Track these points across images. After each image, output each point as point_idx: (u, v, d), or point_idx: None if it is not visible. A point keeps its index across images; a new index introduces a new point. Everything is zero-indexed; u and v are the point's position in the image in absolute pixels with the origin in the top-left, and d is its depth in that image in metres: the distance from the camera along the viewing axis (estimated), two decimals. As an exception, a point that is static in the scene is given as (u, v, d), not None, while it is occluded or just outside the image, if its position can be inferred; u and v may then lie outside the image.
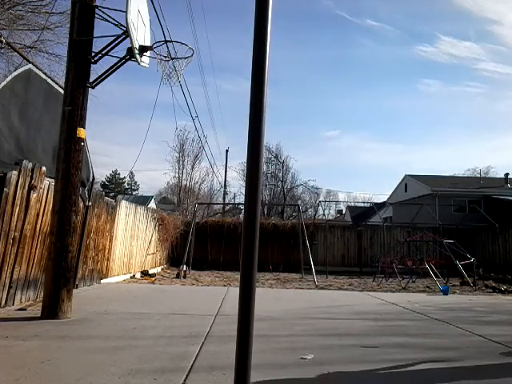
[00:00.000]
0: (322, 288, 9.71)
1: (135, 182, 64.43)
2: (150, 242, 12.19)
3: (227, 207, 30.13)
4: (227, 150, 29.29)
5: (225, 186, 28.81)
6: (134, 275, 10.56)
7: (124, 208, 9.69)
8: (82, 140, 4.97)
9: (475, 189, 24.52)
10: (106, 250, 8.63)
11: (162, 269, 13.69)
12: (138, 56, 5.16)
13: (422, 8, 67.32)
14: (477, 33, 71.26)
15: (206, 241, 16.42)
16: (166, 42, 5.90)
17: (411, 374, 3.00)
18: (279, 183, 37.79)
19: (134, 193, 60.44)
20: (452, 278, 11.84)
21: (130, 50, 5.10)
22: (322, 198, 40.12)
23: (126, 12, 4.80)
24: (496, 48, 70.42)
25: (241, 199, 33.16)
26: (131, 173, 55.74)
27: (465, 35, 72.17)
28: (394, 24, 70.62)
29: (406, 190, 28.01)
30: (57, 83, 6.72)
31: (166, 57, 5.80)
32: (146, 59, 5.51)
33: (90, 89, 5.16)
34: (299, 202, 36.68)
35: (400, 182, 29.71)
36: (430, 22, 69.21)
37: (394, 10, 67.95)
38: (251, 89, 1.56)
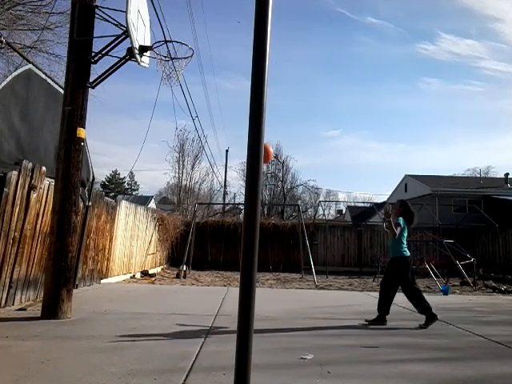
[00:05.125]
0: (322, 288, 9.71)
1: (135, 182, 64.38)
2: (150, 242, 12.19)
3: (227, 207, 30.12)
4: (227, 150, 29.26)
5: (225, 185, 28.82)
6: (134, 275, 10.56)
7: (124, 208, 9.69)
8: (82, 140, 4.97)
9: (475, 189, 24.52)
10: (106, 250, 8.63)
11: (162, 269, 13.69)
12: (137, 56, 5.16)
13: (422, 5, 67.42)
14: (478, 30, 71.10)
15: (206, 241, 16.41)
16: (166, 41, 5.90)
17: (411, 374, 3.00)
18: (279, 183, 37.77)
19: (134, 193, 60.33)
20: (452, 278, 11.83)
21: (130, 50, 5.10)
22: (322, 198, 40.05)
23: (126, 12, 4.80)
24: (498, 46, 70.35)
25: (241, 199, 33.13)
26: (131, 173, 55.63)
27: (466, 33, 72.11)
28: (395, 22, 70.69)
29: (406, 190, 28.01)
30: (57, 83, 6.72)
31: (165, 57, 5.80)
32: (146, 59, 5.51)
33: (89, 89, 5.16)
34: (299, 202, 36.65)
35: (400, 182, 29.72)
36: (430, 20, 69.24)
37: (395, 8, 68.03)
38: (251, 89, 1.56)
